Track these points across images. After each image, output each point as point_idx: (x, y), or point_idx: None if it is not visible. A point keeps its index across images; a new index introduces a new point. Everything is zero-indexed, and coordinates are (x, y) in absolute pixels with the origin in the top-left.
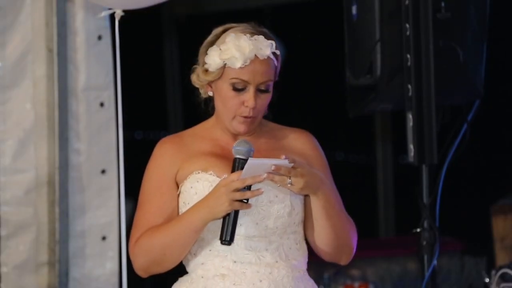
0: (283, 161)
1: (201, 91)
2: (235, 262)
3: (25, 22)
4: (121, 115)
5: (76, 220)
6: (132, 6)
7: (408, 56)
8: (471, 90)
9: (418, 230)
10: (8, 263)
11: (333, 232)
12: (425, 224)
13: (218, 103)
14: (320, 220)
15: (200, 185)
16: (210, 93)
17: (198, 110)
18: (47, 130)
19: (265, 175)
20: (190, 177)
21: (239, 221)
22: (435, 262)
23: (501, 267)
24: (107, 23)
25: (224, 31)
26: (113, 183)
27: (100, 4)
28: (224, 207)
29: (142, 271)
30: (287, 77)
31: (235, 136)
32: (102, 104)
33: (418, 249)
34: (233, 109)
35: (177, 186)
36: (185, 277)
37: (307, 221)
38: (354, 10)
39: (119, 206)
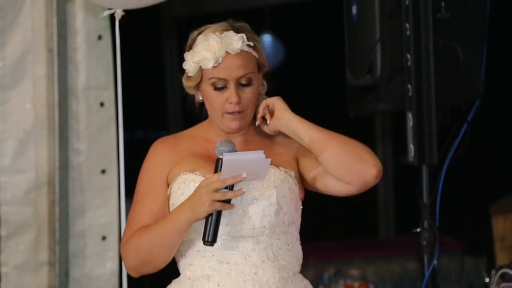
0: (258, 154)
1: (196, 97)
2: (220, 262)
3: (25, 22)
4: (121, 115)
5: (76, 220)
6: (132, 6)
7: (408, 56)
8: (471, 90)
9: (418, 230)
10: (8, 263)
11: (342, 146)
12: (425, 224)
13: (207, 105)
14: (322, 142)
15: (186, 186)
16: (200, 97)
17: (196, 113)
18: (47, 130)
19: (245, 174)
20: (178, 179)
21: (225, 221)
22: (435, 262)
23: (501, 267)
24: (107, 23)
25: (199, 34)
26: (113, 183)
27: (100, 4)
28: (205, 208)
29: (132, 270)
30: (287, 77)
31: (229, 135)
32: (102, 104)
33: (418, 249)
34: (219, 108)
35: (168, 187)
36: (177, 279)
37: (311, 172)
38: (354, 10)
39: (119, 206)
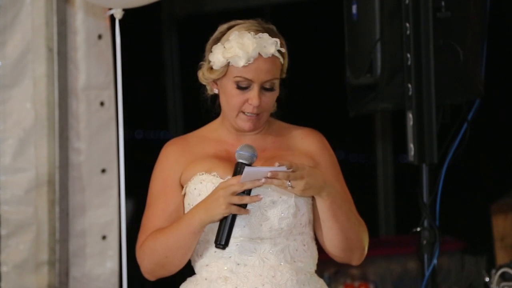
0: (280, 168)
1: (208, 88)
2: (238, 264)
3: (25, 21)
4: (121, 115)
5: (76, 220)
6: (132, 5)
7: (408, 55)
8: (471, 89)
9: (418, 229)
10: (8, 262)
11: (341, 234)
12: (425, 224)
13: (222, 101)
14: (327, 222)
15: (204, 186)
16: (216, 91)
17: (203, 108)
18: (47, 129)
19: (264, 180)
20: (194, 178)
21: (243, 223)
22: (435, 261)
23: (501, 266)
24: (107, 22)
25: (229, 28)
26: (113, 182)
27: (100, 4)
28: (220, 210)
29: (148, 274)
30: (287, 76)
31: (241, 136)
32: (102, 104)
33: (418, 249)
34: (237, 106)
35: (182, 188)
36: (192, 278)
37: (315, 222)
38: (354, 9)
39: (119, 206)
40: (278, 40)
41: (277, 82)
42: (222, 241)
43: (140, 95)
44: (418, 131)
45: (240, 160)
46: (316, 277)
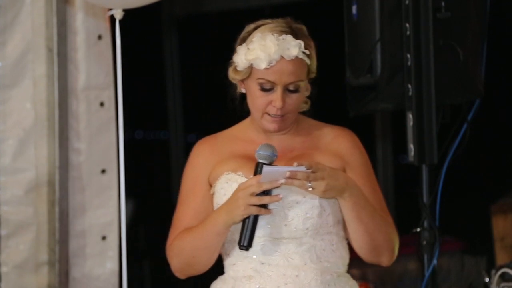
0: (299, 168)
1: (237, 86)
2: (262, 263)
3: (25, 21)
4: (121, 115)
5: (76, 220)
6: (132, 5)
7: (408, 55)
8: (471, 89)
9: (418, 229)
10: (8, 263)
11: (366, 235)
12: (425, 224)
13: (248, 101)
14: (351, 223)
15: (229, 186)
16: (243, 90)
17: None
18: (47, 129)
19: (283, 180)
20: (221, 178)
21: (267, 222)
22: (435, 261)
23: (501, 267)
24: (107, 23)
25: (255, 28)
26: (113, 182)
27: (100, 4)
28: (240, 211)
29: (178, 272)
30: None
31: (270, 135)
32: (102, 104)
33: (418, 249)
34: (261, 107)
35: (211, 187)
36: (222, 276)
37: (344, 222)
38: (354, 10)
39: (119, 206)
40: (302, 42)
41: (302, 84)
42: (244, 242)
43: (140, 95)
44: (418, 131)
45: (260, 160)
46: (345, 278)
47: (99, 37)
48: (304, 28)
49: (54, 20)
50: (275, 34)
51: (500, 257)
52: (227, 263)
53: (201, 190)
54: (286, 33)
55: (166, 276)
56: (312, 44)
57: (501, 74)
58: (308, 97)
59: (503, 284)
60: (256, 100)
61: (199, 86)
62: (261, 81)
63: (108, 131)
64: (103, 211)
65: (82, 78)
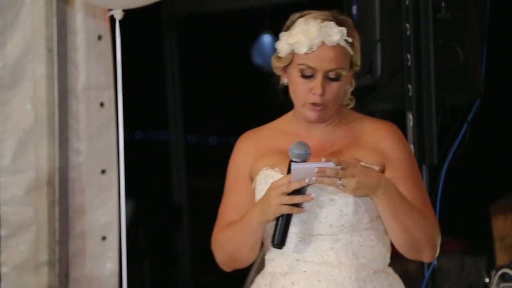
0: (327, 164)
1: (280, 79)
2: (297, 260)
3: (25, 22)
4: (121, 115)
5: (76, 220)
6: (132, 6)
7: (408, 56)
8: (471, 89)
9: None
10: (8, 263)
11: (403, 232)
12: None
13: (290, 91)
14: (387, 220)
15: (266, 183)
16: (285, 81)
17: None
18: (47, 130)
19: (314, 178)
20: (260, 173)
21: (302, 219)
22: (435, 262)
23: (501, 267)
24: (107, 23)
25: (300, 17)
26: (113, 183)
27: (100, 5)
28: (271, 210)
29: (223, 265)
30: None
31: (311, 128)
32: (102, 104)
33: None
34: (302, 95)
35: (252, 181)
36: (262, 271)
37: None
38: (354, 10)
39: (119, 206)
40: (344, 28)
41: (343, 73)
42: (278, 241)
43: (140, 95)
44: (418, 132)
45: (293, 159)
46: (384, 274)
47: (99, 37)
48: (349, 20)
49: (54, 20)
50: (318, 21)
51: (500, 258)
52: (267, 258)
53: (242, 185)
54: (330, 20)
55: (166, 276)
56: (356, 36)
57: (501, 74)
58: (352, 93)
59: (503, 284)
60: (297, 87)
61: (199, 86)
62: (301, 66)
63: (108, 131)
64: (103, 212)
65: (82, 78)
